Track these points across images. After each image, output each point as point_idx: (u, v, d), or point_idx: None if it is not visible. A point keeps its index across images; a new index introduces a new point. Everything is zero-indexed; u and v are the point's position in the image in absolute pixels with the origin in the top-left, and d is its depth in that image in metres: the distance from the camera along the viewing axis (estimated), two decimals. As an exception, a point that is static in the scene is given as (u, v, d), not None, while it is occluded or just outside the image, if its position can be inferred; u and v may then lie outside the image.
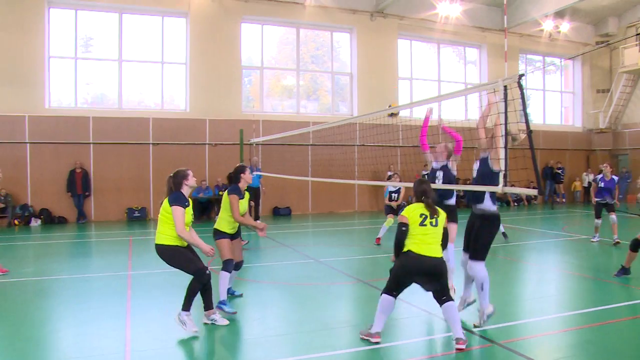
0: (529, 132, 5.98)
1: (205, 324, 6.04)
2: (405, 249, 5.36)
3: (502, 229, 11.45)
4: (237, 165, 7.01)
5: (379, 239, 12.13)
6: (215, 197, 18.17)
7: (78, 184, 17.01)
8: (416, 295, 7.49)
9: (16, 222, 16.47)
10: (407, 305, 6.88)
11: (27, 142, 16.98)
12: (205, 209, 18.23)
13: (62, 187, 17.10)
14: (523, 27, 23.59)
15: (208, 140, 18.99)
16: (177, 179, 6.04)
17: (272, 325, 6.23)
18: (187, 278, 5.64)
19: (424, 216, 5.31)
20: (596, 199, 12.05)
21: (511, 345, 5.24)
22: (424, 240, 5.28)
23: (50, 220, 16.98)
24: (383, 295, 5.52)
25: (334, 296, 7.56)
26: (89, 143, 17.64)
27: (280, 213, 19.41)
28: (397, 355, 5.22)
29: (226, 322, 6.06)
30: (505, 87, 6.30)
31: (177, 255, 5.87)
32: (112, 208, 17.81)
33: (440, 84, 23.37)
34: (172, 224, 5.77)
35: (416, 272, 5.36)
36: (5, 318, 6.46)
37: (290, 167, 15.61)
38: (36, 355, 5.29)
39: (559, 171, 23.82)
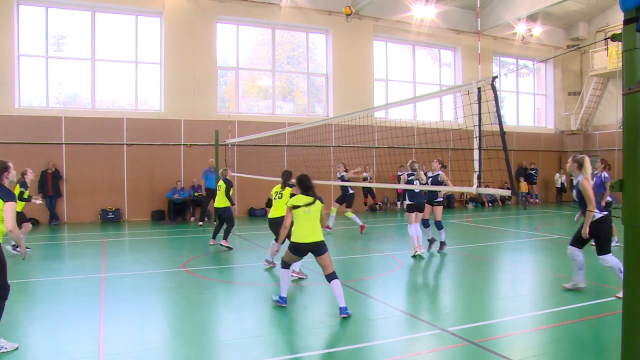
0: (503, 134, 6.06)
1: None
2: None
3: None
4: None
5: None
6: (190, 198, 18.04)
7: (50, 185, 16.70)
8: (392, 295, 7.55)
9: (-15, 224, 16.07)
10: (383, 305, 6.92)
11: (-4, 143, 16.62)
12: (180, 210, 18.08)
13: (33, 188, 16.75)
14: (497, 30, 23.94)
15: (183, 141, 18.83)
16: None
17: (248, 326, 6.20)
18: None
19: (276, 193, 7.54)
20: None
21: (486, 344, 5.30)
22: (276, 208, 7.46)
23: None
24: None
25: (309, 296, 7.56)
26: (62, 143, 17.34)
27: (256, 214, 19.35)
28: (374, 356, 5.24)
29: (15, 345, 5.37)
30: (479, 89, 6.37)
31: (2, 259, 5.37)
32: (85, 209, 17.54)
33: (415, 85, 23.56)
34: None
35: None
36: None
37: (266, 167, 15.54)
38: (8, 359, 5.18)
39: (532, 172, 24.19)
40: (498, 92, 6.21)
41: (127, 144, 18.10)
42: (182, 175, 18.56)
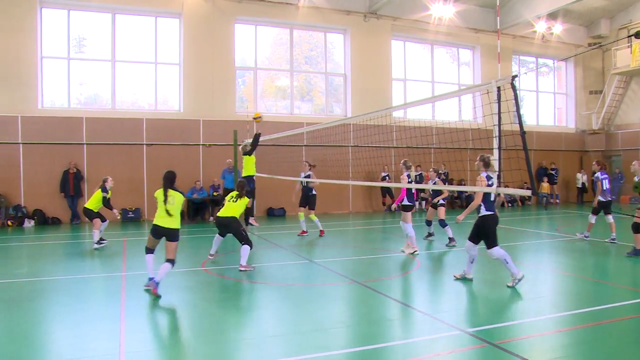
0: (523, 133, 6.01)
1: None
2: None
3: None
4: None
5: (304, 232, 13.68)
6: (209, 198, 18.15)
7: (71, 185, 16.93)
8: (411, 295, 7.52)
9: (9, 223, 16.39)
10: (402, 306, 6.89)
11: (20, 143, 16.90)
12: (199, 210, 18.20)
13: (55, 188, 17.02)
14: (516, 29, 23.71)
15: (202, 141, 18.96)
16: None
17: (267, 326, 6.22)
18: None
19: (232, 197, 9.70)
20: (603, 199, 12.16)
21: (506, 345, 5.25)
22: (227, 208, 9.59)
23: (44, 221, 16.90)
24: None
25: (328, 297, 7.55)
26: (82, 144, 17.56)
27: (275, 214, 19.42)
28: (393, 356, 5.22)
29: None
30: (498, 88, 6.33)
31: None
32: (106, 209, 17.69)
33: (434, 85, 23.44)
34: None
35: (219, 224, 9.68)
36: (0, 320, 6.43)
37: (284, 168, 15.59)
38: (31, 356, 5.25)
39: (553, 172, 23.91)
40: (518, 91, 6.17)
41: (146, 144, 18.27)
42: (201, 175, 18.68)
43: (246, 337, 5.82)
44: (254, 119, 14.24)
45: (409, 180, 10.84)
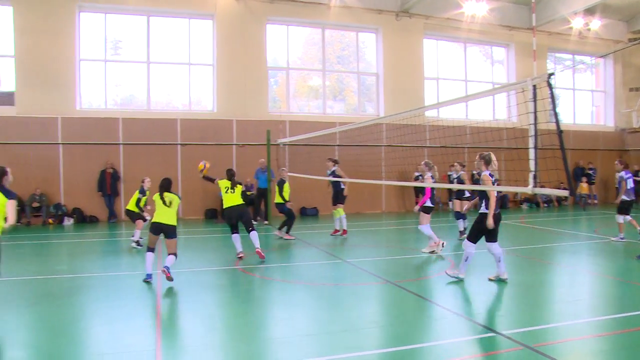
0: (560, 132, 5.90)
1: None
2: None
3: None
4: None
5: (337, 230, 13.58)
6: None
7: (108, 184, 17.30)
8: (444, 296, 7.45)
9: (50, 221, 16.85)
10: (435, 306, 6.84)
11: (59, 143, 17.35)
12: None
13: (93, 187, 17.41)
14: (552, 25, 23.23)
15: (235, 141, 19.13)
16: None
17: (300, 325, 6.25)
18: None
19: (226, 187, 10.39)
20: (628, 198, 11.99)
21: (543, 349, 5.15)
22: (231, 198, 10.31)
23: (82, 219, 17.32)
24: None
25: (361, 297, 7.54)
26: (119, 144, 17.93)
27: (307, 213, 19.48)
28: (426, 357, 5.19)
29: None
30: (534, 86, 6.22)
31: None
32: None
33: (467, 83, 23.16)
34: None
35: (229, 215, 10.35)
36: (41, 314, 6.61)
37: (317, 167, 15.61)
38: (71, 350, 5.42)
39: (591, 172, 23.39)
40: (554, 90, 6.05)
41: (180, 144, 18.53)
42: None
43: (279, 336, 5.86)
44: (200, 171, 12.86)
45: (433, 180, 10.86)
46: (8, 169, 6.55)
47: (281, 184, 13.34)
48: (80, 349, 5.53)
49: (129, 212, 12.47)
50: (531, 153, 6.34)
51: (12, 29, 17.20)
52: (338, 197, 13.80)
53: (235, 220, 10.38)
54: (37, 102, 17.16)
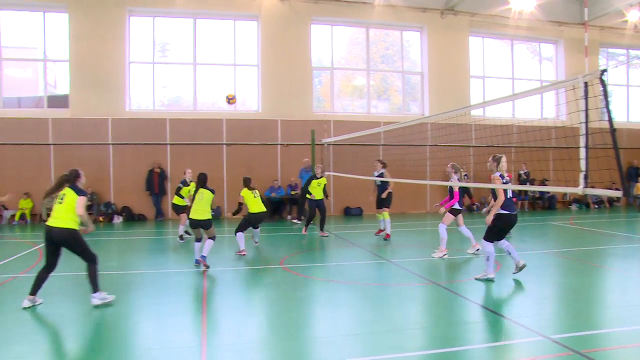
0: (613, 131, 5.72)
1: None
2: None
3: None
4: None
5: (381, 230, 13.32)
6: (287, 197, 18.44)
7: (156, 183, 17.74)
8: (489, 298, 7.34)
9: (101, 219, 17.41)
10: (480, 308, 6.75)
11: (110, 144, 17.90)
12: (277, 208, 18.51)
13: (141, 186, 17.88)
14: (604, 19, 22.47)
15: (280, 141, 19.30)
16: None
17: (344, 324, 6.26)
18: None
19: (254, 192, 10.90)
20: None
21: (594, 355, 4.99)
22: (254, 203, 10.95)
23: (131, 217, 17.82)
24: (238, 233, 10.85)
25: (405, 297, 7.50)
26: (166, 144, 18.35)
27: (352, 213, 19.48)
28: (472, 360, 5.14)
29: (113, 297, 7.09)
30: (585, 83, 6.06)
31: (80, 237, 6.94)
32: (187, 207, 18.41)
33: (514, 81, 22.69)
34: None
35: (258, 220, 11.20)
36: (93, 309, 6.84)
37: (361, 167, 15.59)
38: (121, 343, 5.62)
39: (645, 171, 22.56)
40: (607, 86, 5.88)
41: (226, 144, 18.82)
42: (279, 174, 19.01)
43: (322, 335, 5.90)
44: (229, 100, 14.28)
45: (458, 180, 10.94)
46: (81, 172, 7.28)
47: (311, 180, 13.88)
48: (129, 343, 5.71)
49: (174, 206, 13.14)
50: (582, 152, 6.18)
51: (68, 35, 17.87)
52: (384, 200, 13.34)
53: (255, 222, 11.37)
54: (89, 104, 17.78)
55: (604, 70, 5.76)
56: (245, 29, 19.78)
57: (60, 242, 6.83)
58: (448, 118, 9.59)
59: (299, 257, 10.47)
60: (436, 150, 15.58)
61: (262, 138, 19.09)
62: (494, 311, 6.64)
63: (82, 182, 7.31)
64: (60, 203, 6.85)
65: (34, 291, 6.84)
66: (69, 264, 8.03)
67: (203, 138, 18.56)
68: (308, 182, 13.80)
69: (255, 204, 10.97)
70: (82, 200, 6.87)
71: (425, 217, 18.97)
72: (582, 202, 21.98)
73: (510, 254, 8.40)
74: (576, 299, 7.47)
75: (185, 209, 12.51)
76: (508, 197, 8.10)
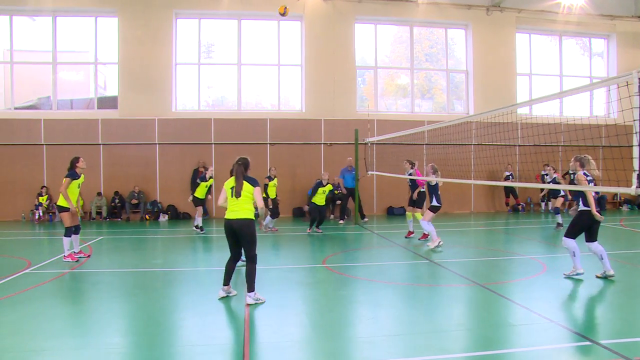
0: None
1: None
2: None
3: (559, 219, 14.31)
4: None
5: (411, 232, 13.39)
6: (330, 196, 18.41)
7: (201, 183, 18.04)
8: (535, 300, 7.17)
9: (147, 217, 17.85)
10: (526, 311, 6.61)
11: (156, 144, 18.34)
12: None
13: (186, 185, 18.22)
14: (660, 13, 21.65)
15: (323, 140, 19.35)
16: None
17: (385, 325, 6.24)
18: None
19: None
20: None
21: (645, 360, 4.84)
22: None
23: (176, 215, 18.20)
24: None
25: (448, 298, 7.42)
26: (211, 144, 18.66)
27: (395, 213, 19.36)
28: (516, 363, 5.04)
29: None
30: (640, 79, 5.84)
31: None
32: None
33: (562, 78, 22.10)
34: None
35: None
36: (139, 304, 7.03)
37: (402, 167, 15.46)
38: (166, 339, 5.76)
39: None
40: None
41: (270, 144, 18.99)
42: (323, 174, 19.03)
43: (364, 335, 5.88)
44: (282, 12, 14.64)
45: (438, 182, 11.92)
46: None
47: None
48: (173, 339, 5.84)
49: (195, 199, 14.59)
50: (635, 151, 5.98)
51: (117, 38, 18.41)
52: (415, 200, 13.34)
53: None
54: (137, 105, 18.28)
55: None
56: (289, 29, 19.92)
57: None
58: (493, 117, 9.41)
59: (341, 257, 10.48)
60: (480, 149, 15.30)
61: (306, 137, 19.19)
62: (539, 314, 6.49)
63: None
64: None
65: (226, 281, 7.23)
66: (125, 261, 8.22)
67: (247, 138, 18.78)
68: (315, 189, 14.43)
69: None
70: (259, 192, 7.41)
71: (469, 217, 18.70)
72: (635, 203, 21.25)
73: (602, 259, 8.34)
74: (628, 303, 7.23)
75: (202, 201, 14.37)
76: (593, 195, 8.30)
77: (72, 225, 9.90)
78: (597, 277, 8.28)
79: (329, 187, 14.53)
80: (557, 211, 14.28)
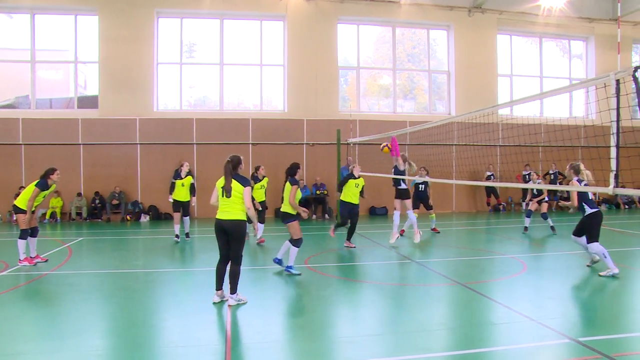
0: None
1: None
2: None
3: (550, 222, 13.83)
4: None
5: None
6: (312, 196, 18.45)
7: (182, 183, 17.88)
8: (516, 299, 7.24)
9: (128, 217, 17.67)
10: (506, 310, 6.66)
11: (137, 144, 18.18)
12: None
13: (168, 186, 18.00)
14: (638, 15, 21.94)
15: (306, 140, 19.34)
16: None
17: (368, 324, 6.25)
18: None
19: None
20: None
21: (623, 359, 4.90)
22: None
23: (158, 216, 18.06)
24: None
25: (430, 298, 7.44)
26: (193, 144, 18.54)
27: (377, 213, 19.41)
28: (497, 362, 5.07)
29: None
30: (617, 81, 5.92)
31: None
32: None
33: (542, 80, 22.34)
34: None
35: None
36: (120, 306, 6.95)
37: (387, 167, 15.50)
38: (147, 340, 5.70)
39: (678, 171, 21.96)
40: (640, 84, 5.74)
41: (252, 144, 18.92)
42: (305, 174, 19.03)
43: (346, 335, 5.88)
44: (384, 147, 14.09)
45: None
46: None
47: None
48: (154, 340, 5.78)
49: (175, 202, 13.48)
50: (612, 152, 6.06)
51: (97, 37, 18.21)
52: (415, 200, 14.13)
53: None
54: (118, 105, 18.09)
55: (638, 67, 5.63)
56: (271, 29, 19.88)
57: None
58: (475, 117, 9.47)
59: (323, 257, 10.47)
60: (462, 150, 15.40)
61: (288, 137, 19.16)
62: (519, 312, 6.54)
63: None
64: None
65: (219, 286, 7.04)
66: (106, 263, 8.15)
67: (229, 137, 18.68)
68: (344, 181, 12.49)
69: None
70: (248, 192, 7.11)
71: (451, 217, 18.81)
72: (612, 203, 21.55)
73: (605, 258, 8.64)
74: (605, 301, 7.34)
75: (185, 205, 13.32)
76: (590, 198, 8.84)
77: (29, 227, 9.61)
78: (600, 275, 8.46)
79: (362, 181, 12.29)
80: (545, 216, 14.23)
